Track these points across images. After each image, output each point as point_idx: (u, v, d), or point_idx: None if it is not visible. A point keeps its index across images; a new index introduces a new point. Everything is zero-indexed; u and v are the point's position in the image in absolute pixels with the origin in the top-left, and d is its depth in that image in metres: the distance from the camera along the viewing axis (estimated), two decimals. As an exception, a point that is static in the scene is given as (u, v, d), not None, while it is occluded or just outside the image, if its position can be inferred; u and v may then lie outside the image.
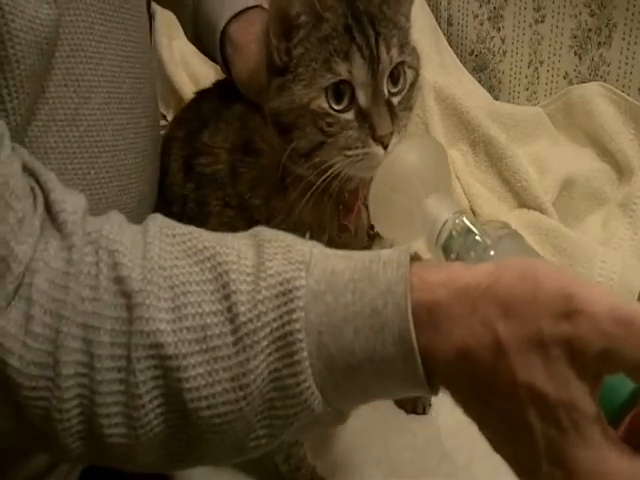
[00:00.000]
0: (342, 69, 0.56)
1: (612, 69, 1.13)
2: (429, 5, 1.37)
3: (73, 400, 0.40)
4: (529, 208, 1.08)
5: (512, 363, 0.35)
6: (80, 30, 0.55)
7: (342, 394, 0.41)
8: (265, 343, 0.40)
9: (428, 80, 1.12)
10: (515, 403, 0.35)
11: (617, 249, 1.00)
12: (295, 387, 0.40)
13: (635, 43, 1.08)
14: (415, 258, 0.41)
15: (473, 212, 1.09)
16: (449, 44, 1.35)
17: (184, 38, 0.82)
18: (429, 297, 0.38)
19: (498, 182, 1.12)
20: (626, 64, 1.11)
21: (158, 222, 0.45)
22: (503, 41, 1.30)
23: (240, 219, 0.67)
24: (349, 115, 0.58)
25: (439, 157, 0.59)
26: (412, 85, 0.61)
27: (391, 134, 0.57)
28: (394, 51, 0.58)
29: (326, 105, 0.57)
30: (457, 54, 1.35)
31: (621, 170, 1.11)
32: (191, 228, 0.45)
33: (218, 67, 0.74)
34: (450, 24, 1.39)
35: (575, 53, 1.18)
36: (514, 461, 0.37)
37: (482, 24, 1.33)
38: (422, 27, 1.26)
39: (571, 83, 1.20)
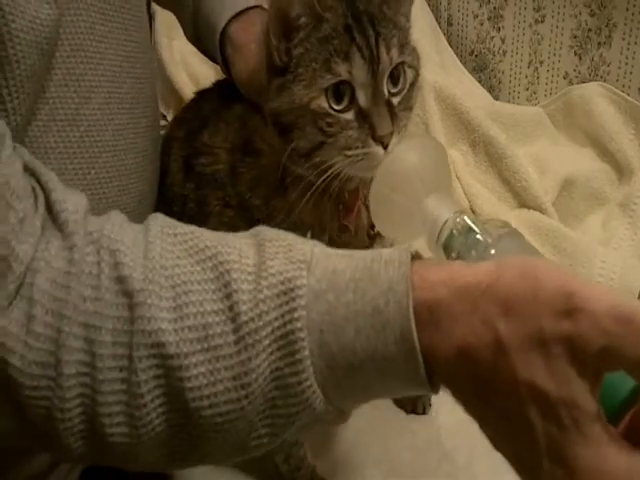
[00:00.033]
0: (342, 70, 0.56)
1: (612, 69, 1.13)
2: (429, 5, 1.37)
3: (75, 399, 0.40)
4: (529, 208, 1.08)
5: (513, 361, 0.35)
6: (80, 30, 0.55)
7: (343, 393, 0.41)
8: (266, 342, 0.40)
9: (428, 80, 1.12)
10: (516, 401, 0.35)
11: (617, 249, 1.00)
12: (297, 386, 0.40)
13: (635, 43, 1.08)
14: (416, 257, 0.41)
15: (473, 212, 1.09)
16: (449, 44, 1.35)
17: (184, 38, 0.82)
18: (430, 296, 0.38)
19: (498, 182, 1.12)
20: (626, 64, 1.11)
21: (159, 221, 0.45)
22: (503, 41, 1.30)
23: (240, 219, 0.67)
24: (349, 115, 0.58)
25: (439, 157, 0.59)
26: (412, 85, 0.61)
27: (391, 134, 0.58)
28: (394, 51, 0.58)
29: (326, 105, 0.57)
30: (457, 54, 1.35)
31: (621, 170, 1.11)
32: (192, 227, 0.45)
33: (218, 67, 0.74)
34: (450, 24, 1.40)
35: (575, 53, 1.18)
36: (515, 459, 0.37)
37: (482, 24, 1.33)
38: (422, 27, 1.26)
39: (571, 83, 1.20)
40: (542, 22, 1.21)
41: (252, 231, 0.45)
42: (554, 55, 1.22)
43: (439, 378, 0.39)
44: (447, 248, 0.52)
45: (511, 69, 1.30)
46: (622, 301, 0.34)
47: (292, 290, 0.40)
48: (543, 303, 0.35)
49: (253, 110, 0.66)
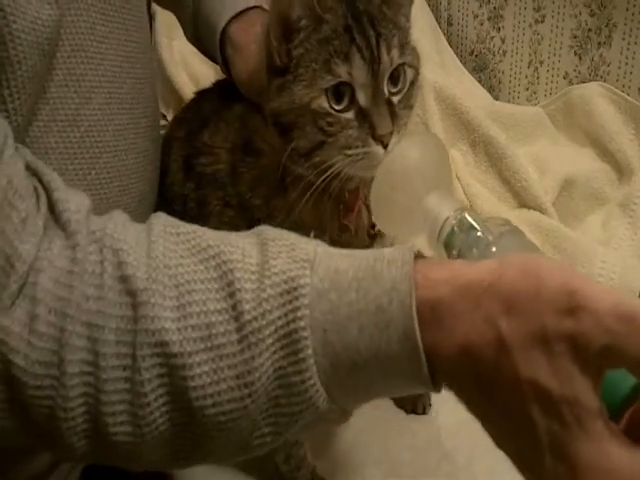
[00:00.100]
0: (342, 70, 0.56)
1: (612, 69, 1.13)
2: (429, 5, 1.37)
3: (78, 399, 0.40)
4: (529, 208, 1.08)
5: (515, 359, 0.35)
6: (81, 30, 0.55)
7: (347, 391, 0.41)
8: (270, 341, 0.40)
9: (428, 80, 1.12)
10: (518, 399, 0.35)
11: (617, 249, 1.00)
12: (300, 385, 0.40)
13: (635, 43, 1.08)
14: (418, 256, 0.41)
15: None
16: (449, 44, 1.35)
17: (184, 38, 0.82)
18: (432, 295, 0.38)
19: (498, 182, 1.12)
20: (626, 64, 1.11)
21: (162, 221, 0.45)
22: (503, 41, 1.30)
23: (241, 219, 0.67)
24: (349, 114, 0.58)
25: (440, 154, 0.59)
26: (412, 84, 0.61)
27: (391, 133, 0.58)
28: (395, 52, 0.58)
29: (326, 105, 0.57)
30: (457, 54, 1.35)
31: (621, 170, 1.11)
32: (195, 227, 0.45)
33: (218, 67, 0.74)
34: (450, 24, 1.40)
35: (575, 53, 1.18)
36: (517, 457, 0.38)
37: (482, 24, 1.33)
38: (422, 27, 1.26)
39: (571, 83, 1.20)
40: (542, 22, 1.21)
41: (255, 230, 0.45)
42: (554, 55, 1.22)
43: (442, 376, 0.39)
44: (448, 246, 0.52)
45: (511, 69, 1.30)
46: (624, 300, 0.34)
47: (295, 289, 0.40)
48: (545, 301, 0.35)
49: (253, 110, 0.66)
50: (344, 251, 0.43)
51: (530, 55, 1.26)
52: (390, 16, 0.60)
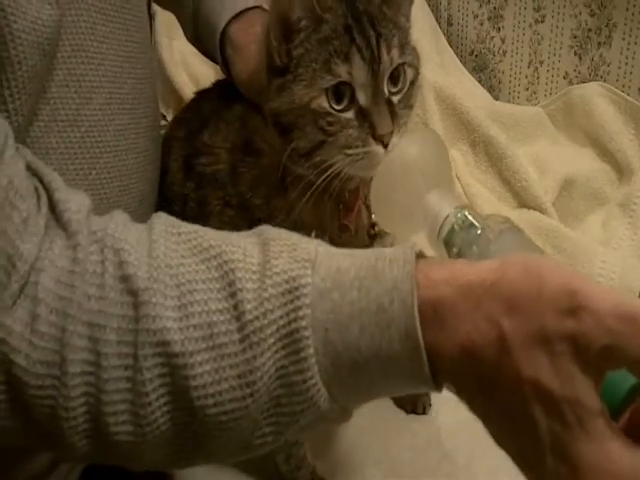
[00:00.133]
0: (342, 71, 0.56)
1: (612, 69, 1.13)
2: (429, 5, 1.37)
3: (79, 398, 0.40)
4: (529, 208, 1.08)
5: (517, 359, 0.35)
6: (82, 30, 0.55)
7: (348, 391, 0.41)
8: (271, 340, 0.40)
9: (428, 80, 1.12)
10: (520, 399, 0.35)
11: (617, 249, 1.00)
12: (301, 384, 0.40)
13: (635, 43, 1.08)
14: (420, 256, 0.41)
15: (473, 212, 1.09)
16: (449, 44, 1.35)
17: (184, 38, 0.82)
18: (434, 294, 0.38)
19: (498, 182, 1.12)
20: (626, 64, 1.11)
21: (163, 220, 0.45)
22: (503, 41, 1.30)
23: (241, 219, 0.67)
24: (349, 114, 0.58)
25: (440, 151, 0.59)
26: (412, 84, 0.61)
27: (391, 133, 0.58)
28: (395, 52, 0.58)
29: (326, 105, 0.57)
30: (457, 54, 1.35)
31: (621, 170, 1.11)
32: (196, 227, 0.45)
33: (218, 67, 0.74)
34: (450, 24, 1.40)
35: (575, 53, 1.18)
36: (519, 457, 0.38)
37: (482, 24, 1.33)
38: (422, 27, 1.27)
39: (571, 83, 1.20)
40: (542, 22, 1.22)
41: (256, 230, 0.45)
42: (554, 55, 1.22)
43: (443, 376, 0.39)
44: (448, 243, 0.52)
45: (511, 69, 1.30)
46: (625, 300, 0.34)
47: (297, 289, 0.40)
48: (547, 301, 0.35)
49: (253, 110, 0.66)
50: (345, 250, 0.43)
51: (530, 55, 1.26)
52: (390, 16, 0.60)
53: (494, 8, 1.29)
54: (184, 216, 0.46)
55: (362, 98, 0.57)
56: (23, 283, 0.40)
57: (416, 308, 0.38)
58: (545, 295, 0.36)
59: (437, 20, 1.37)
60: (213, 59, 0.74)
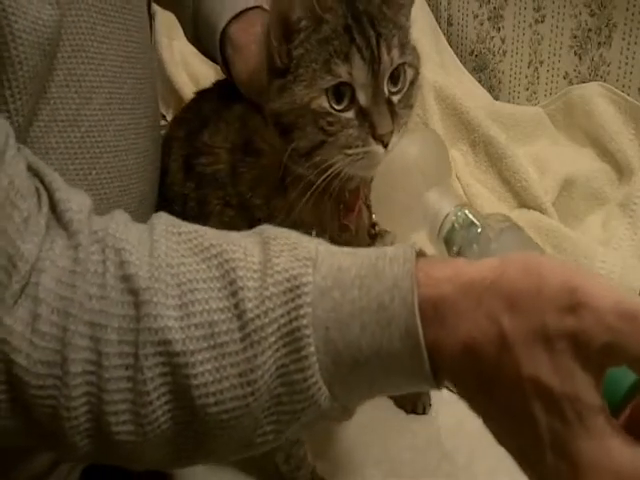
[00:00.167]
0: (342, 71, 0.56)
1: (612, 69, 1.13)
2: (429, 5, 1.37)
3: (81, 398, 0.40)
4: (529, 208, 1.08)
5: (517, 357, 0.35)
6: (82, 31, 0.55)
7: (349, 389, 0.41)
8: (273, 339, 0.40)
9: (428, 80, 1.12)
10: (520, 397, 0.35)
11: (617, 249, 1.00)
12: (302, 382, 0.40)
13: (635, 43, 1.08)
14: (420, 254, 0.41)
15: (473, 212, 1.09)
16: (449, 44, 1.35)
17: (184, 38, 0.82)
18: (435, 292, 0.39)
19: (498, 182, 1.12)
20: (626, 64, 1.11)
21: (163, 220, 0.45)
22: (503, 41, 1.30)
23: (241, 218, 0.67)
24: (349, 114, 0.58)
25: (440, 150, 0.59)
26: (412, 84, 0.61)
27: (391, 133, 0.58)
28: (395, 52, 0.58)
29: (327, 105, 0.57)
30: (457, 54, 1.35)
31: (621, 170, 1.11)
32: (197, 226, 0.45)
33: (218, 67, 0.74)
34: (450, 24, 1.40)
35: (575, 53, 1.18)
36: (519, 454, 0.38)
37: (482, 24, 1.33)
38: (422, 27, 1.27)
39: (571, 83, 1.20)
40: (542, 22, 1.21)
41: (256, 229, 0.45)
42: (554, 55, 1.22)
43: (444, 374, 0.40)
44: (448, 242, 0.53)
45: (511, 69, 1.30)
46: (626, 298, 0.35)
47: (298, 287, 0.40)
48: (547, 298, 0.35)
49: (253, 110, 0.66)
50: (346, 249, 0.43)
51: (530, 55, 1.26)
52: (390, 16, 0.60)
53: (494, 8, 1.29)
54: (184, 216, 0.46)
55: (362, 98, 0.57)
56: (24, 283, 0.40)
57: (416, 306, 0.38)
58: (545, 293, 0.36)
59: (437, 20, 1.37)
60: (213, 59, 0.74)
